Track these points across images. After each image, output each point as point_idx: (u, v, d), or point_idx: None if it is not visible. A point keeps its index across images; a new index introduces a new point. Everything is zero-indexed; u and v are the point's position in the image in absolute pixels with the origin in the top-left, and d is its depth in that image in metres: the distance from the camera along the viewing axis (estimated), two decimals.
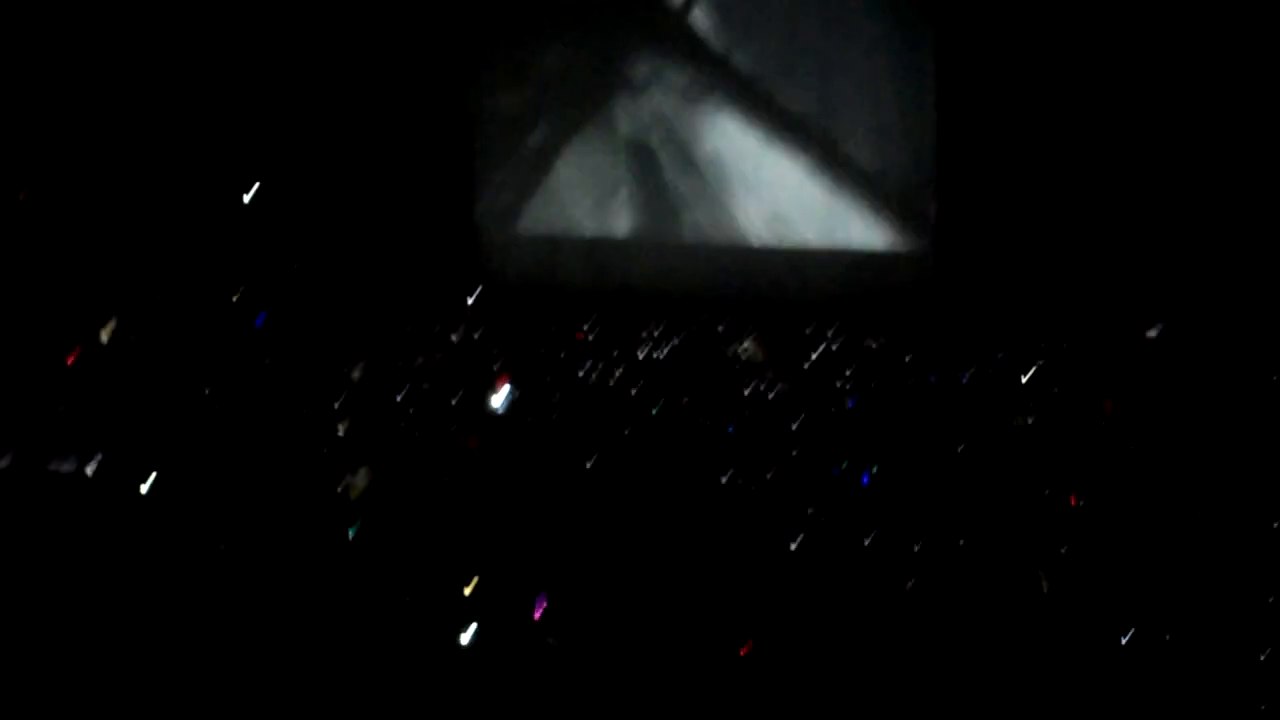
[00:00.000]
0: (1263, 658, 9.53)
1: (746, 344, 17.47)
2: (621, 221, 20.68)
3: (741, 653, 9.54)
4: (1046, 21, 18.32)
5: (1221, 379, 15.36)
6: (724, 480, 12.40)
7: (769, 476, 12.60)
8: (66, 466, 12.19)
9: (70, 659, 8.99)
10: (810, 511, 11.84)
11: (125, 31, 19.74)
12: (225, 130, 20.64)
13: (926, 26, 18.98)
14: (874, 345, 17.56)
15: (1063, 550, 11.02)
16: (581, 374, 16.13)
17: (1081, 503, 11.86)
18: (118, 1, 19.34)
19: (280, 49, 20.46)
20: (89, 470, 12.14)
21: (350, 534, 11.00)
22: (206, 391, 14.68)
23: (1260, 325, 16.74)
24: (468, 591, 10.01)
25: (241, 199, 20.90)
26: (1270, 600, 10.27)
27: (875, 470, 12.53)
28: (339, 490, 11.74)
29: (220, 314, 18.48)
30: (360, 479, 11.81)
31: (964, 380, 15.91)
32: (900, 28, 19.11)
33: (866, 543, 11.24)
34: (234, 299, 18.43)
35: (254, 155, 20.62)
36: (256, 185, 20.22)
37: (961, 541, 10.99)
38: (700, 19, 19.83)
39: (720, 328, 18.69)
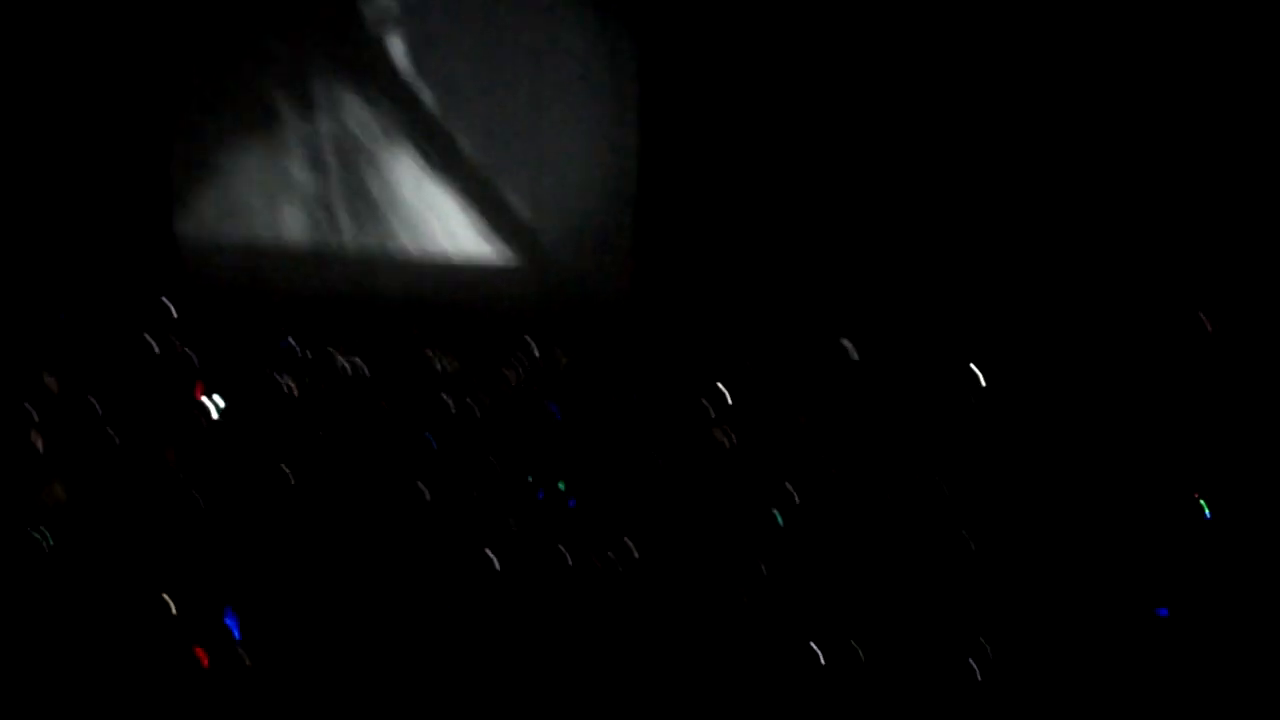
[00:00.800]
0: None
1: (442, 356, 17.55)
2: (317, 232, 20.72)
3: None
4: (743, 45, 18.70)
5: (912, 391, 15.80)
6: (426, 491, 12.50)
7: (472, 491, 12.76)
8: None
9: None
10: (512, 525, 12.00)
11: None
12: None
13: (631, 49, 19.30)
14: (567, 360, 17.76)
15: (762, 567, 11.29)
16: (283, 382, 16.07)
17: (782, 521, 12.16)
18: None
19: None
20: None
21: (46, 543, 10.89)
22: None
23: (946, 334, 17.24)
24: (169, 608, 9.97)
25: None
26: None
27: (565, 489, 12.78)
28: (38, 500, 11.62)
29: None
30: (57, 490, 11.69)
31: (661, 397, 16.15)
32: (607, 52, 19.40)
33: (569, 560, 11.39)
34: None
35: None
36: None
37: (662, 557, 11.23)
38: (400, 45, 19.97)
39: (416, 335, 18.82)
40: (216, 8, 20.40)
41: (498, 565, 11.08)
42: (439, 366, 17.22)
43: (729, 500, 12.67)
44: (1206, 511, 11.62)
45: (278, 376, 16.08)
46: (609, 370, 17.16)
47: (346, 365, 16.89)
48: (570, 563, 11.26)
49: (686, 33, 18.81)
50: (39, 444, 13.12)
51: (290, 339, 18.27)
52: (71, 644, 9.43)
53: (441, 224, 20.24)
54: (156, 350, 17.34)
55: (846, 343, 17.14)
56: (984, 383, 15.36)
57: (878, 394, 15.80)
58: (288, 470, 12.74)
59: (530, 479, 13.13)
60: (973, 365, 15.48)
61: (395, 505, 12.33)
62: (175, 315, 18.58)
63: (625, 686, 9.68)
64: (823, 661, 9.95)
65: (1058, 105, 17.34)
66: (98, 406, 14.57)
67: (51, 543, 10.94)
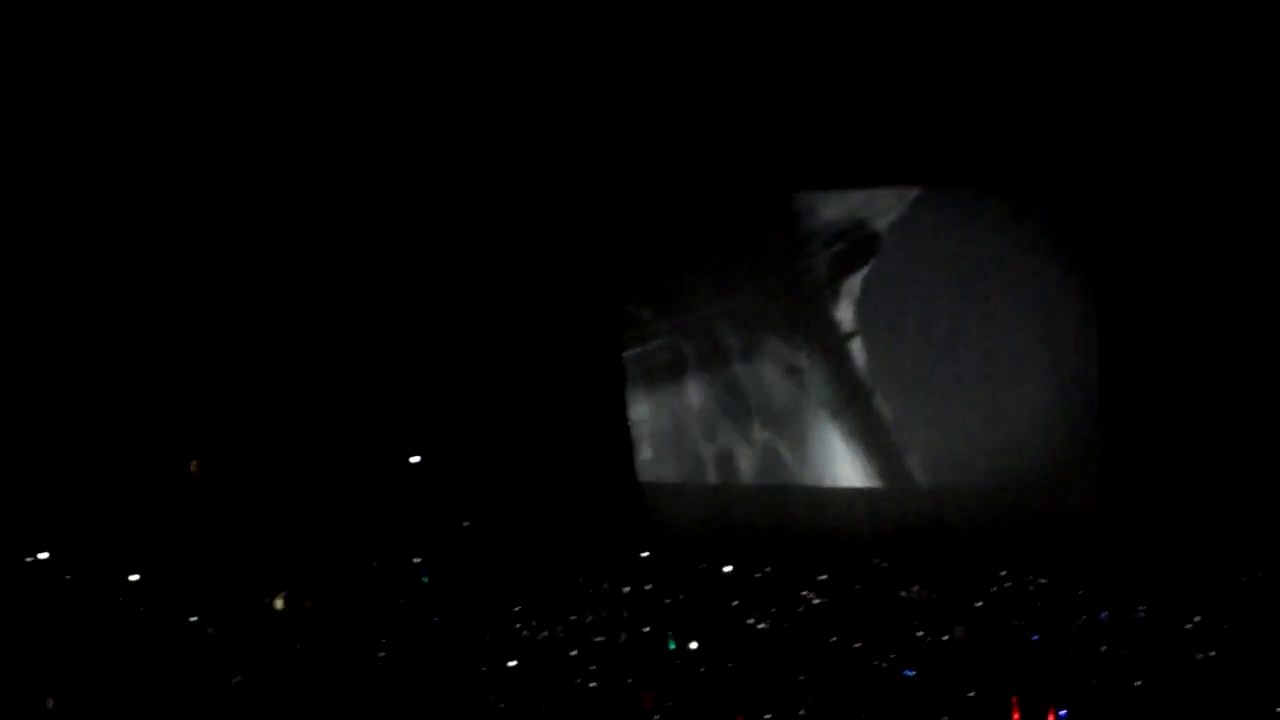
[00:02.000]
0: None
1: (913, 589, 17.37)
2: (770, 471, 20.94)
3: None
4: (1192, 257, 18.36)
5: None
6: None
7: None
8: None
9: None
10: None
11: None
12: None
13: (1083, 273, 19.10)
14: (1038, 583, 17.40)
15: None
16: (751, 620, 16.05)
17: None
18: None
19: None
20: None
21: None
22: (380, 655, 14.80)
23: None
24: None
25: None
26: None
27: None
28: None
29: (390, 581, 18.70)
30: None
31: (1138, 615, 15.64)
32: (1058, 279, 19.22)
33: None
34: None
35: None
36: None
37: None
38: (844, 298, 20.20)
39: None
40: (672, 249, 20.90)
41: None
42: (908, 597, 17.02)
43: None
44: None
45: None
46: (1082, 590, 16.68)
47: None
48: None
49: (1136, 250, 18.45)
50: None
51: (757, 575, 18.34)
52: None
53: (899, 457, 20.09)
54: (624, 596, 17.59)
55: None
56: None
57: None
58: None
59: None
60: None
61: None
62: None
63: None
64: None
65: None
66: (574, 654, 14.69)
67: None
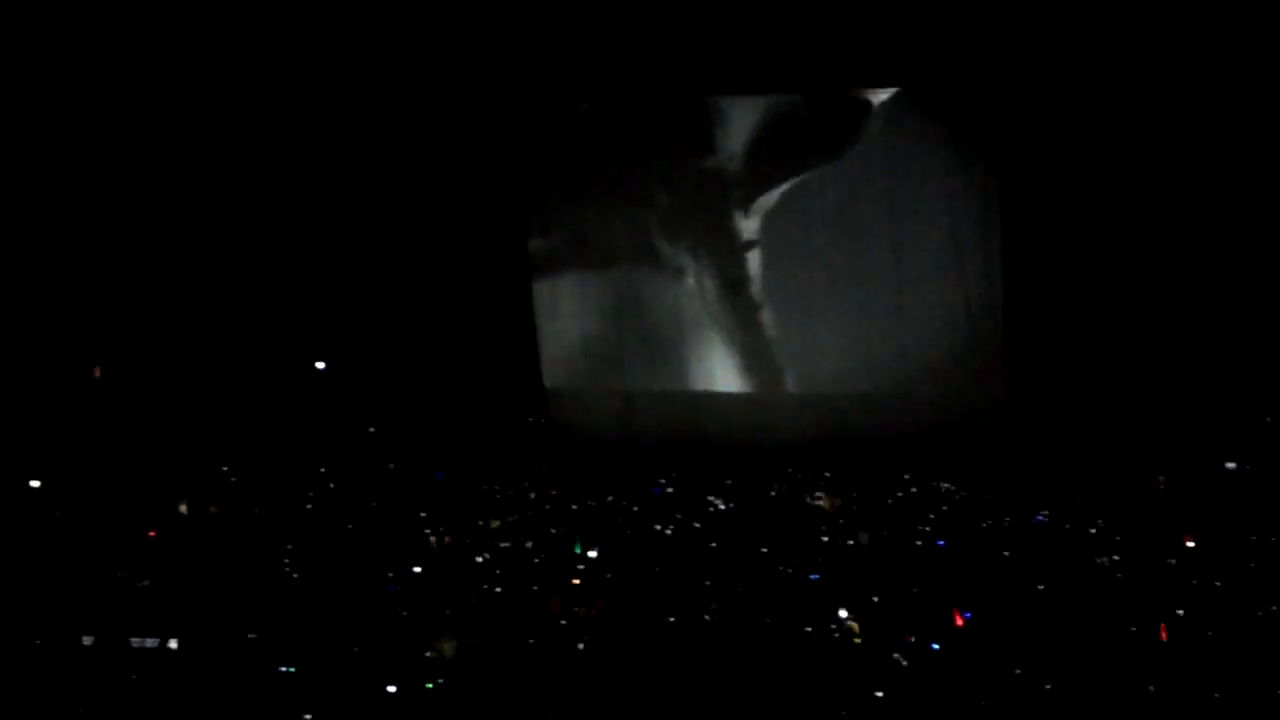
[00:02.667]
0: None
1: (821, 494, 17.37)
2: (684, 377, 20.87)
3: None
4: (1098, 160, 18.38)
5: None
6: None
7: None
8: (149, 642, 12.16)
9: None
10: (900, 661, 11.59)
11: None
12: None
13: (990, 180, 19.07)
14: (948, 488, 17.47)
15: (1150, 688, 10.74)
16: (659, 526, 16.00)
17: (1171, 637, 11.61)
18: None
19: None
20: (171, 644, 12.10)
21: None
22: (287, 561, 14.66)
23: None
24: None
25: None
26: None
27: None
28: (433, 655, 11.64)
29: (297, 485, 18.55)
30: (447, 646, 11.70)
31: (1039, 520, 15.72)
32: (964, 186, 19.16)
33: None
34: None
35: None
36: None
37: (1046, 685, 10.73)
38: (763, 205, 20.06)
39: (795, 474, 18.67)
40: (584, 152, 20.75)
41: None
42: (820, 504, 17.03)
43: (1112, 622, 12.06)
44: None
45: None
46: (988, 494, 16.77)
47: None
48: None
49: (1041, 152, 18.45)
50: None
51: (662, 483, 18.29)
52: None
53: (810, 363, 20.08)
54: (534, 499, 17.53)
55: (1230, 465, 16.56)
56: None
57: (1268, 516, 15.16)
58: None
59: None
60: None
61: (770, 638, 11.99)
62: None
63: None
64: None
65: None
66: (481, 558, 14.60)
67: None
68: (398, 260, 21.01)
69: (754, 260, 20.11)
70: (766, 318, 20.22)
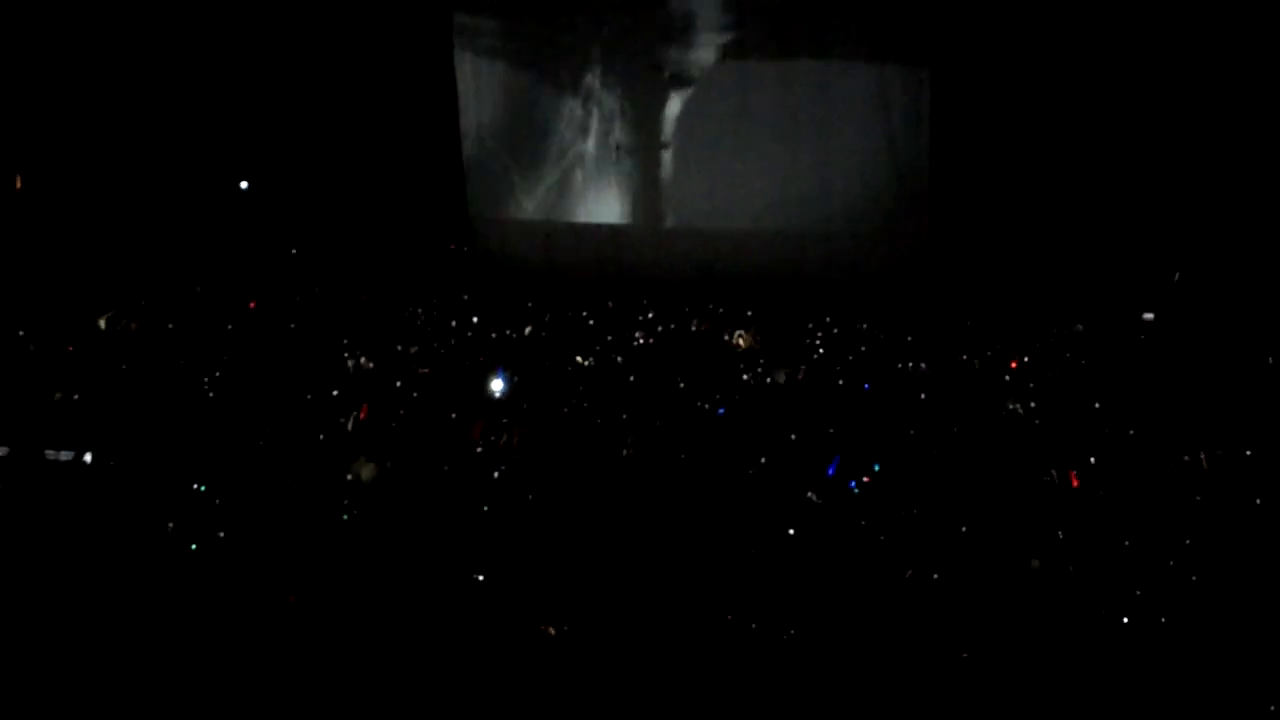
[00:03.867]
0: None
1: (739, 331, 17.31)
2: (612, 209, 20.78)
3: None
4: (1042, 28, 18.30)
5: (1213, 365, 15.19)
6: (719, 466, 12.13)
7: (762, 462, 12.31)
8: (64, 455, 11.99)
9: (65, 652, 8.71)
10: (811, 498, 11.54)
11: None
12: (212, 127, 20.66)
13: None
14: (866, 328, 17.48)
15: (1059, 534, 10.75)
16: (579, 358, 15.90)
17: (1081, 485, 11.61)
18: None
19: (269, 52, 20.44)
20: (86, 458, 11.92)
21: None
22: (205, 380, 14.49)
23: (1247, 311, 16.63)
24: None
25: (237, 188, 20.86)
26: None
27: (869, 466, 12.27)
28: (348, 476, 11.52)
29: (217, 305, 18.34)
30: (365, 467, 11.59)
31: (955, 366, 15.73)
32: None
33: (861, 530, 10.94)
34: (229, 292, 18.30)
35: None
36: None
37: (960, 527, 10.71)
38: (701, 52, 19.98)
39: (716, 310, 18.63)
40: None
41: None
42: (737, 341, 16.98)
43: (1023, 467, 12.06)
44: None
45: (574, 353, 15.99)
46: (907, 338, 16.79)
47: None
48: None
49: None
50: (349, 422, 13.04)
51: (585, 314, 18.21)
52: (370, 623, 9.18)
53: (733, 199, 20.01)
54: (455, 328, 17.41)
55: (1148, 316, 16.64)
56: None
57: (1180, 368, 15.21)
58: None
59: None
60: None
61: (683, 480, 11.93)
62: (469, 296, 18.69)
63: (933, 658, 9.11)
64: None
65: None
66: (399, 384, 14.47)
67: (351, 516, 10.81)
68: (325, 76, 20.74)
69: (675, 99, 20.06)
70: (673, 155, 20.21)
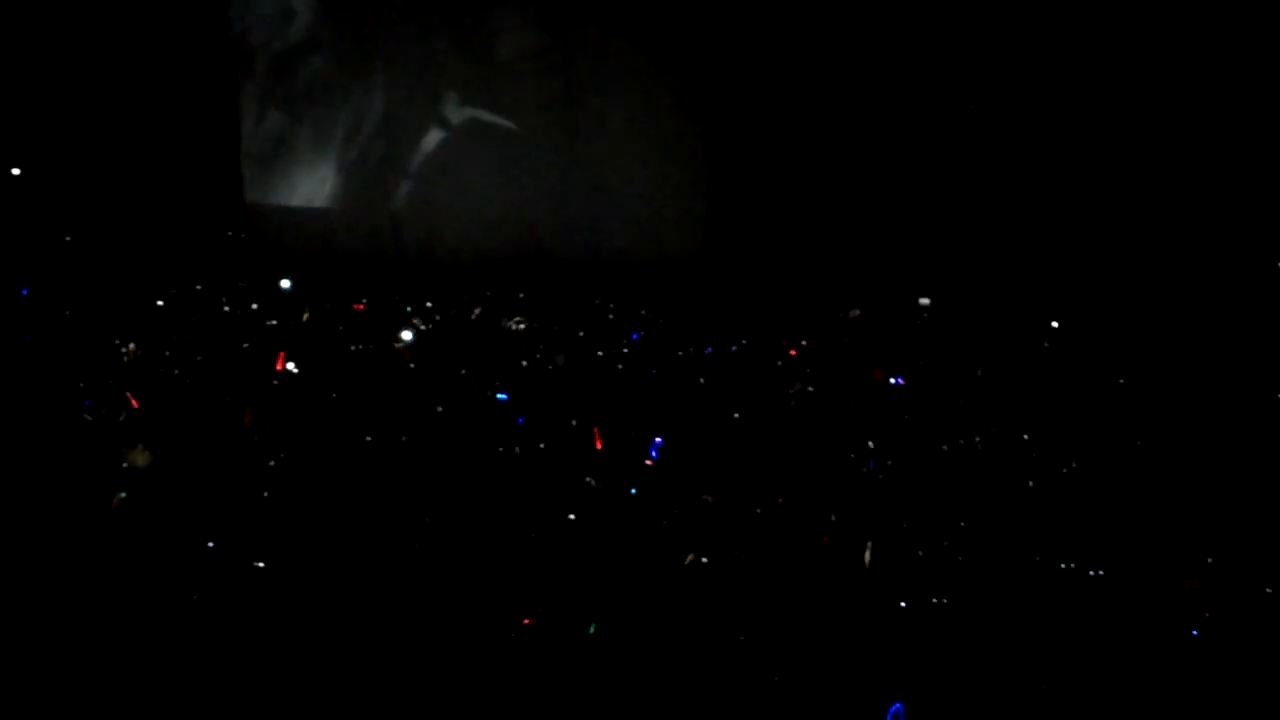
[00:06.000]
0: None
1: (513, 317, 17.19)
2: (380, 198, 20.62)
3: None
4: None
5: (988, 349, 15.41)
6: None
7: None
8: None
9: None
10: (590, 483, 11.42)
11: None
12: None
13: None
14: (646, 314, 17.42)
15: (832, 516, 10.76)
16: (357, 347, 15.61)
17: (871, 468, 11.65)
18: None
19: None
20: None
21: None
22: None
23: (1021, 297, 16.91)
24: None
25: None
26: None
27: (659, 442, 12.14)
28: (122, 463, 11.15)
29: None
30: (140, 455, 11.23)
31: (734, 350, 15.73)
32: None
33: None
34: None
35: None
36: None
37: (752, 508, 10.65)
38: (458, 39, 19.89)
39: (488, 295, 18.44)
40: None
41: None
42: (510, 327, 16.82)
43: (808, 455, 12.04)
44: None
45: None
46: (685, 327, 16.74)
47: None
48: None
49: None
50: (122, 412, 12.65)
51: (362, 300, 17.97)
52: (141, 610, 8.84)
53: (509, 187, 19.92)
54: (229, 314, 17.04)
55: (924, 300, 16.80)
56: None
57: (953, 352, 15.40)
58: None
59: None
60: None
61: (470, 465, 11.74)
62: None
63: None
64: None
65: None
66: (178, 372, 14.11)
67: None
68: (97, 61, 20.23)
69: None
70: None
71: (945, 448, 12.16)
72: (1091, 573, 9.63)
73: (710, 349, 15.60)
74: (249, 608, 8.82)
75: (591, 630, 8.52)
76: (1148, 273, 17.08)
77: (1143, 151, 17.42)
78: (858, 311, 17.03)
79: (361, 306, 17.72)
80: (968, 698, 8.10)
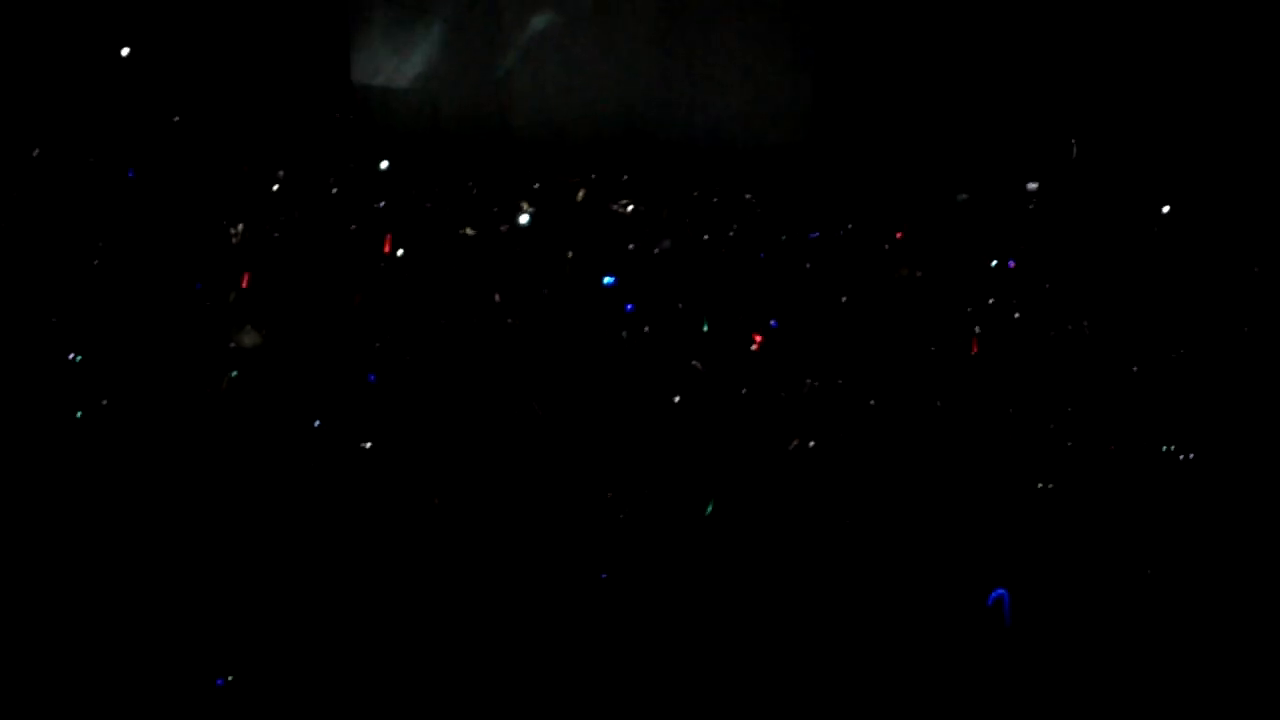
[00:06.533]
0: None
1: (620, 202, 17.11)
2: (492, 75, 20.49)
3: None
4: None
5: (1104, 236, 15.21)
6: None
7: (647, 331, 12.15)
8: None
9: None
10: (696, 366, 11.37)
11: None
12: None
13: None
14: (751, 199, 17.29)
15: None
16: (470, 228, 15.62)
17: (980, 350, 11.57)
18: None
19: None
20: None
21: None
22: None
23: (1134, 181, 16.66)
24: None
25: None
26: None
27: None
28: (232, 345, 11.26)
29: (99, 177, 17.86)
30: (249, 335, 11.33)
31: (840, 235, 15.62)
32: None
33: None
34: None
35: None
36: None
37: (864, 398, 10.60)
38: None
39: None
40: None
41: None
42: (616, 210, 16.75)
43: (917, 335, 11.98)
44: None
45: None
46: (786, 214, 16.61)
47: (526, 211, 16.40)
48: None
49: None
50: (231, 293, 12.74)
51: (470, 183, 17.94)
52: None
53: (617, 66, 19.76)
54: (337, 196, 17.07)
55: (1031, 185, 16.60)
56: None
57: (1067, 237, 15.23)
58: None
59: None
60: None
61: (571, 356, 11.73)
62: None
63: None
64: None
65: None
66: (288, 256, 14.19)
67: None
68: None
69: None
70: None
71: (1053, 333, 12.06)
72: (1188, 456, 9.55)
73: (816, 234, 15.48)
74: (356, 488, 8.91)
75: (709, 511, 8.53)
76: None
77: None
78: (965, 195, 16.82)
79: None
80: (1072, 585, 8.06)
